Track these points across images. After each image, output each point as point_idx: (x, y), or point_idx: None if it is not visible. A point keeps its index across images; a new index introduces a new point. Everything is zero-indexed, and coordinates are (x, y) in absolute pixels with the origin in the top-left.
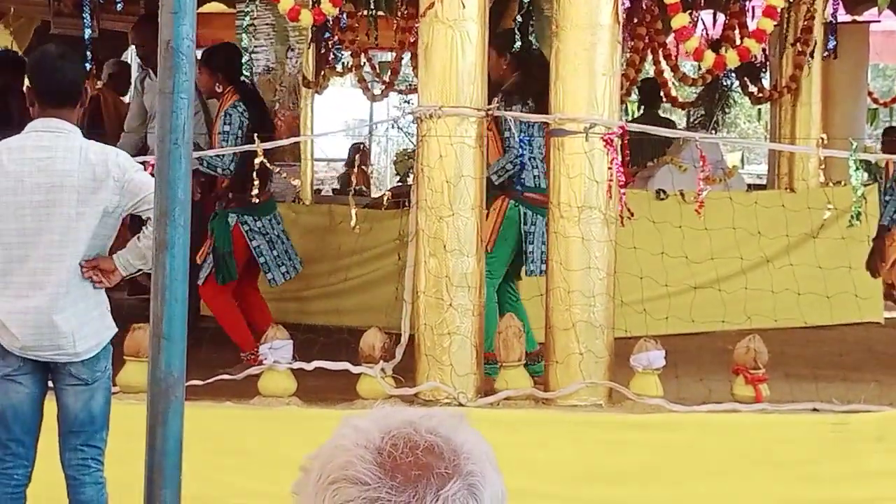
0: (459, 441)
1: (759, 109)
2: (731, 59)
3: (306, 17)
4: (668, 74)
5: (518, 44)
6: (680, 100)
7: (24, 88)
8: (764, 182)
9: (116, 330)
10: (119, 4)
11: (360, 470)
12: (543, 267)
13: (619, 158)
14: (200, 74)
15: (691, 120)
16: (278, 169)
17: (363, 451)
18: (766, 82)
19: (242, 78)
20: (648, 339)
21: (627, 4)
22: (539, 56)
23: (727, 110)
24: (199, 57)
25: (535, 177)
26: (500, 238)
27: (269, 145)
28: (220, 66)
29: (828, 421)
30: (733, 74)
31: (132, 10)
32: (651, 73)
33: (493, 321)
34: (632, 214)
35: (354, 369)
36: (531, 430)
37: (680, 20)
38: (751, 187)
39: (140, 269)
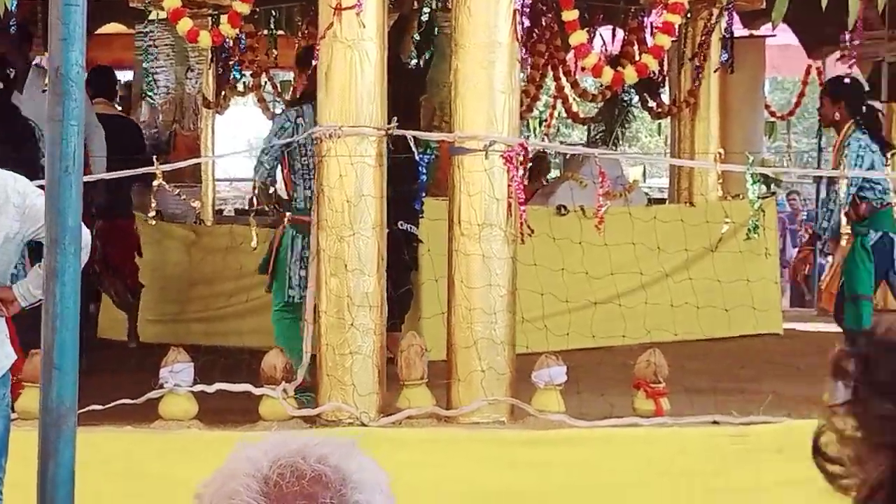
0: (350, 470)
1: (660, 123)
2: (629, 75)
3: (205, 39)
4: (568, 90)
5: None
6: (581, 115)
7: None
8: (666, 195)
9: (15, 357)
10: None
11: (245, 499)
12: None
13: (519, 175)
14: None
15: (592, 135)
16: (177, 191)
17: (250, 480)
18: (666, 97)
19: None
20: (549, 355)
21: (526, 23)
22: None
23: (627, 125)
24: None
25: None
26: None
27: (169, 167)
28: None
29: (728, 433)
30: (633, 90)
31: None
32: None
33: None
34: (532, 231)
35: (256, 391)
36: (434, 448)
37: (578, 37)
38: (651, 201)
39: (40, 300)
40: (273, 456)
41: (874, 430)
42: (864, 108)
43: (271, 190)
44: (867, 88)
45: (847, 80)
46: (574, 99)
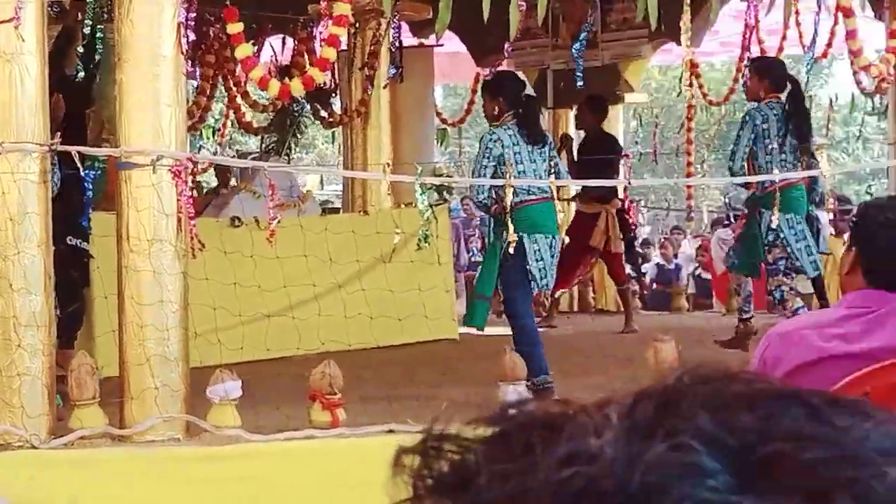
0: None
1: (334, 132)
2: (296, 87)
3: None
4: (240, 100)
5: (81, 74)
6: (254, 125)
7: None
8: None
9: None
10: None
11: None
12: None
13: (188, 189)
14: None
15: (265, 145)
16: None
17: None
18: (338, 106)
19: None
20: (224, 370)
21: (192, 36)
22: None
23: (300, 134)
24: None
25: None
26: None
27: None
28: None
29: (403, 441)
30: (304, 99)
31: None
32: None
33: None
34: (203, 246)
35: None
36: (109, 468)
37: (243, 50)
38: (326, 211)
39: None
40: None
41: None
42: (523, 100)
43: None
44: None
45: (506, 75)
46: (246, 109)
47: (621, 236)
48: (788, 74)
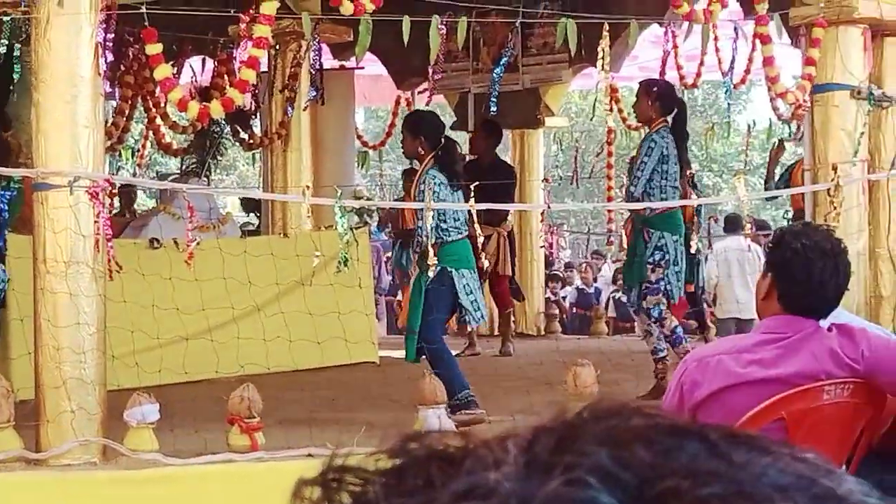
0: None
1: (255, 154)
2: (215, 109)
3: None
4: (159, 121)
5: None
6: (174, 146)
7: None
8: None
9: None
10: None
11: None
12: None
13: (106, 211)
14: None
15: (184, 167)
16: None
17: None
18: (258, 128)
19: None
20: (141, 393)
21: (111, 57)
22: None
23: (219, 157)
24: None
25: None
26: None
27: None
28: None
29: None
30: (224, 121)
31: None
32: None
33: None
34: (120, 268)
35: None
36: (24, 493)
37: (162, 71)
38: (246, 233)
39: None
40: None
41: None
42: (442, 141)
43: None
44: (453, 118)
45: (425, 115)
46: (166, 130)
47: (509, 259)
48: (678, 97)
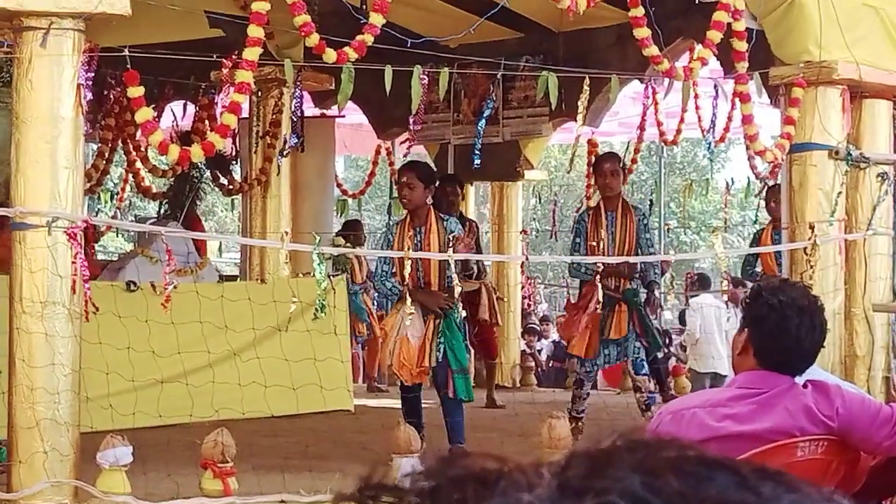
0: None
1: (234, 200)
2: (196, 153)
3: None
4: (139, 164)
5: None
6: (153, 190)
7: None
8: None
9: None
10: None
11: None
12: None
13: (83, 252)
14: None
15: (163, 210)
16: None
17: None
18: (238, 174)
19: None
20: (115, 436)
21: (90, 97)
22: None
23: (198, 202)
24: None
25: None
26: None
27: None
28: None
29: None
30: (204, 165)
31: None
32: None
33: None
34: (97, 309)
35: None
36: None
37: (144, 114)
38: (223, 278)
39: None
40: None
41: None
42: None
43: None
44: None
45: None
46: (145, 174)
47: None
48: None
